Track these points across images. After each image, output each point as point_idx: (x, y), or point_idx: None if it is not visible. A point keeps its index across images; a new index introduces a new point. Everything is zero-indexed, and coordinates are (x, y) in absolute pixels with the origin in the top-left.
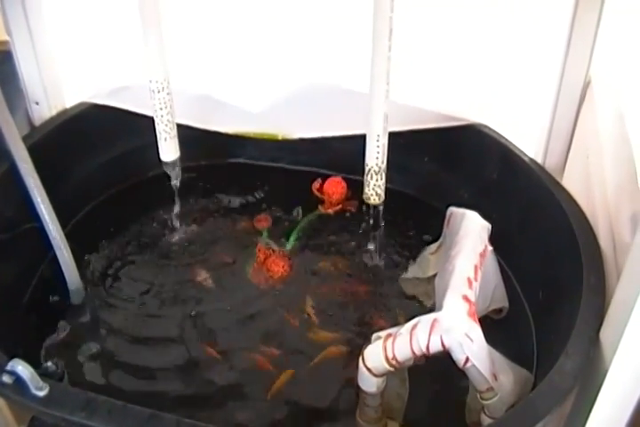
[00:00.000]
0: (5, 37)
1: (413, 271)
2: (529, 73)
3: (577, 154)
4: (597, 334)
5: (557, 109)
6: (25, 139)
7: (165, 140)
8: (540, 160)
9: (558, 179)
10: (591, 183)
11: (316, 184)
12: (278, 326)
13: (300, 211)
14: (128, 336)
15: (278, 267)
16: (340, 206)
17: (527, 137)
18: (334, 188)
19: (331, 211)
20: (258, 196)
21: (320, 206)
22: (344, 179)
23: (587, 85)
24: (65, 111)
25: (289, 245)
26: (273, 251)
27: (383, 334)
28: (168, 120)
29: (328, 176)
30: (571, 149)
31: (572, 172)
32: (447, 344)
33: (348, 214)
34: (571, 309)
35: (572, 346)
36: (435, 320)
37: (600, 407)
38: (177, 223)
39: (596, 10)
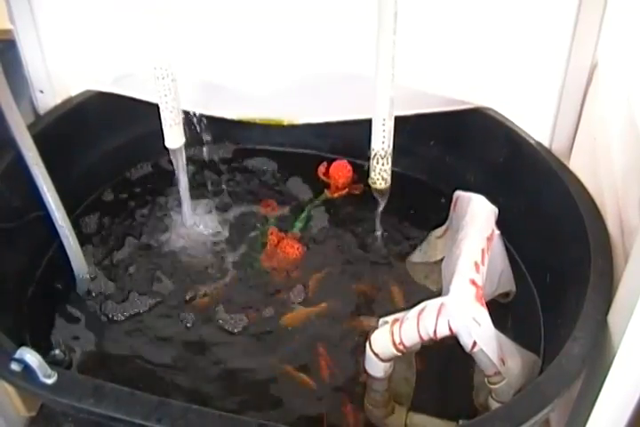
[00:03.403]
0: (9, 26)
1: (420, 255)
2: (535, 56)
3: (584, 137)
4: (605, 318)
5: (564, 92)
6: (30, 127)
7: (170, 126)
8: (546, 143)
9: (565, 162)
10: (598, 166)
11: (322, 168)
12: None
13: (306, 195)
14: (134, 323)
15: (293, 249)
16: (346, 191)
17: (534, 120)
18: (340, 171)
19: (337, 195)
20: (264, 180)
21: (326, 191)
22: (350, 163)
23: (593, 68)
24: (69, 99)
25: (295, 230)
26: (285, 234)
27: (390, 319)
28: (173, 107)
29: (334, 160)
30: (578, 131)
31: (579, 155)
32: (454, 329)
33: (353, 199)
34: (578, 292)
35: (580, 330)
36: (442, 305)
37: (608, 391)
38: (182, 210)
39: None
